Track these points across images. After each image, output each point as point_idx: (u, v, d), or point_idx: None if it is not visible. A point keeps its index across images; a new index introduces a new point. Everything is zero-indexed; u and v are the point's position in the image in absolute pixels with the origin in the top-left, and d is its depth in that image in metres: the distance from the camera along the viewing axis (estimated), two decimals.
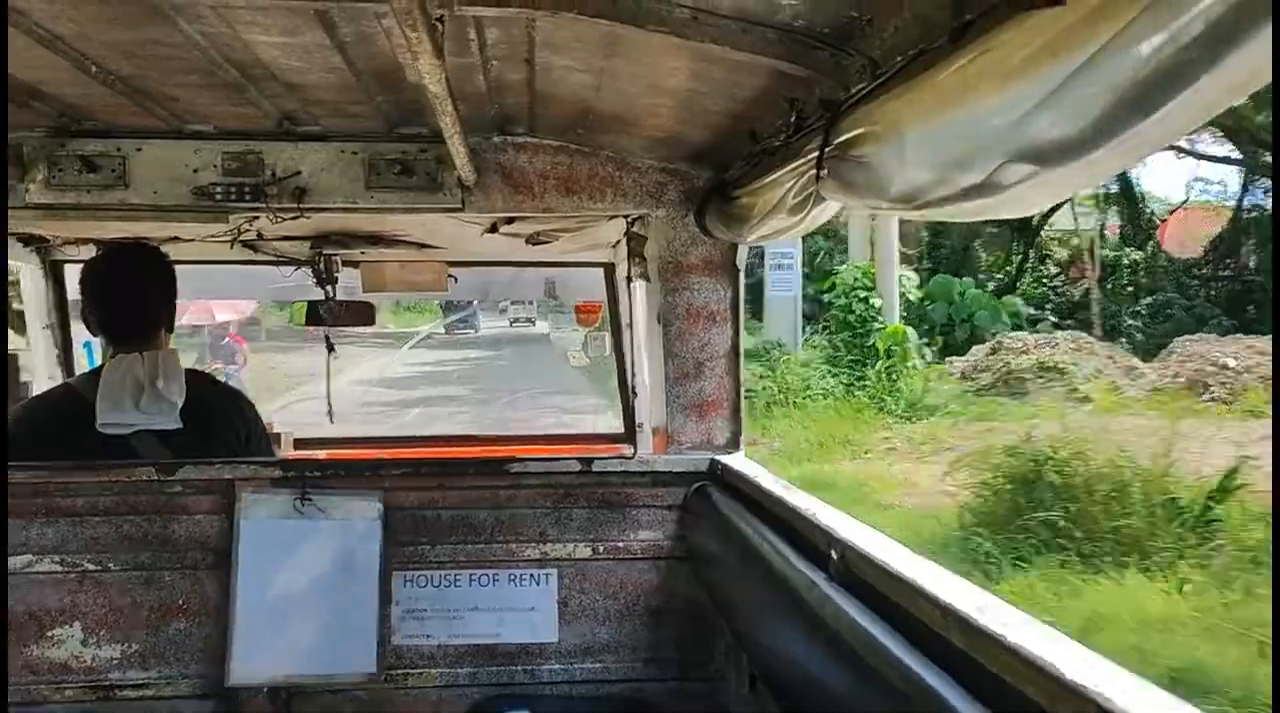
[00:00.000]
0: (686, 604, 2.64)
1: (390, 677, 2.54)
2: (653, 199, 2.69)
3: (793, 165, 1.90)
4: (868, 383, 16.54)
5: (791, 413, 15.44)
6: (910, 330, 17.62)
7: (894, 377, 16.53)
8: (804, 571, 1.74)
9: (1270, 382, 13.80)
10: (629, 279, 2.93)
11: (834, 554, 1.68)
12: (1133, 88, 0.88)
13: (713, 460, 2.64)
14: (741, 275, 2.77)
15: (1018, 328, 20.99)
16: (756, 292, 23.58)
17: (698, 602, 2.62)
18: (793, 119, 1.90)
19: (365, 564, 2.53)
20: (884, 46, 1.50)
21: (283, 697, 2.50)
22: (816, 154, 1.67)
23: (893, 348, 16.81)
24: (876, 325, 17.49)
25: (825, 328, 18.72)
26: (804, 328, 20.24)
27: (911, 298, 20.24)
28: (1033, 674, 1.04)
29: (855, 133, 1.53)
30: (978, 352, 18.63)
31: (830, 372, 17.25)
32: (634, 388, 3.30)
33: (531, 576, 2.61)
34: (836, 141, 1.60)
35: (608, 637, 2.63)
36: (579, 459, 2.66)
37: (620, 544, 2.63)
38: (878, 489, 10.98)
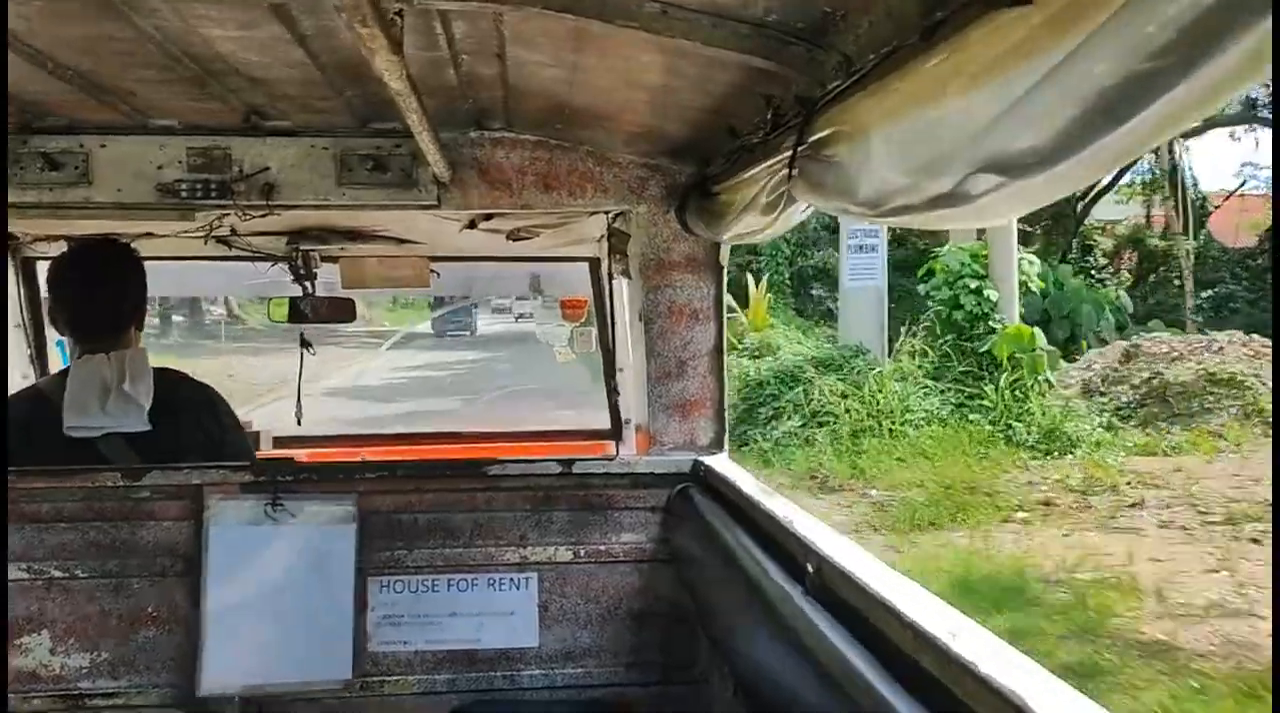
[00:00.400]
0: (669, 608, 2.59)
1: (366, 684, 2.50)
2: (634, 195, 2.64)
3: (769, 163, 1.85)
4: (985, 403, 12.26)
5: (890, 445, 11.50)
6: (1039, 332, 12.99)
7: (1022, 395, 12.26)
8: (780, 583, 1.69)
9: None
10: (611, 276, 2.88)
11: (810, 567, 1.63)
12: (1099, 97, 0.83)
13: (696, 461, 2.59)
14: (724, 273, 2.72)
15: (1120, 327, 17.23)
16: (828, 280, 19.11)
17: (680, 605, 2.58)
18: (769, 116, 1.84)
19: (339, 570, 2.48)
20: (858, 43, 1.45)
21: (254, 707, 2.46)
22: (790, 153, 1.62)
23: (1017, 356, 12.40)
24: (992, 325, 12.88)
25: (924, 329, 13.79)
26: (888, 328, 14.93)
27: (1034, 288, 14.73)
28: (1000, 705, 1.00)
29: (828, 132, 1.48)
30: (1101, 356, 14.11)
31: (934, 388, 12.71)
32: (618, 385, 3.26)
33: (511, 579, 2.57)
34: (810, 140, 1.55)
35: (589, 641, 2.58)
36: (559, 461, 2.61)
37: (602, 547, 2.59)
38: (1117, 606, 6.32)
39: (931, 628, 1.19)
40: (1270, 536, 6.30)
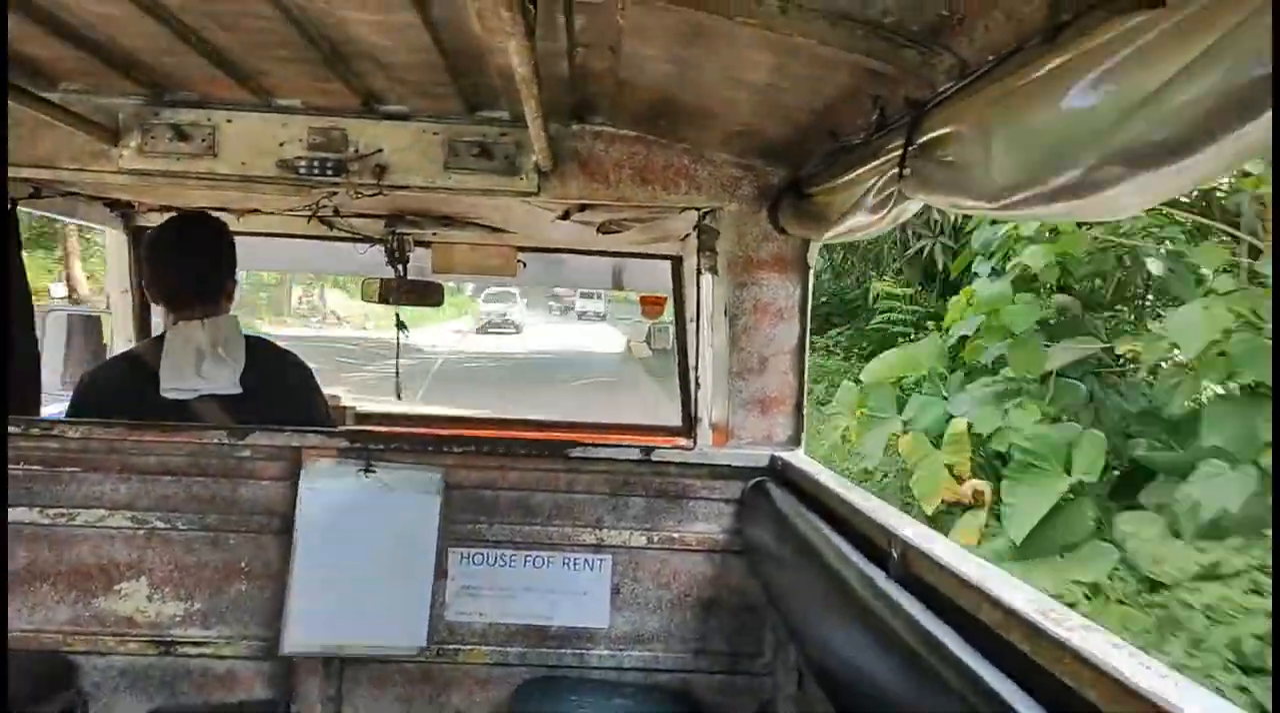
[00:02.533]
0: (739, 599, 2.64)
1: (441, 651, 2.58)
2: (726, 193, 2.70)
3: (873, 164, 1.89)
4: None
5: None
6: None
7: None
8: (862, 568, 1.73)
9: None
10: (698, 272, 2.94)
11: (894, 553, 1.67)
12: (1233, 93, 0.87)
13: (773, 457, 2.64)
14: (812, 273, 2.77)
15: None
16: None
17: (750, 597, 2.62)
18: (875, 118, 1.89)
19: (423, 539, 2.57)
20: (974, 46, 1.49)
21: (335, 664, 2.55)
22: (900, 153, 1.66)
23: None
24: None
25: None
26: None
27: None
28: (1096, 678, 1.03)
29: (941, 132, 1.52)
30: None
31: None
32: (696, 381, 3.32)
33: (586, 561, 2.63)
34: (920, 141, 1.59)
35: (657, 626, 2.64)
36: (639, 448, 2.68)
37: (675, 535, 2.64)
38: None
39: (1022, 606, 1.23)
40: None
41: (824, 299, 17.66)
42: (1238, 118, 0.86)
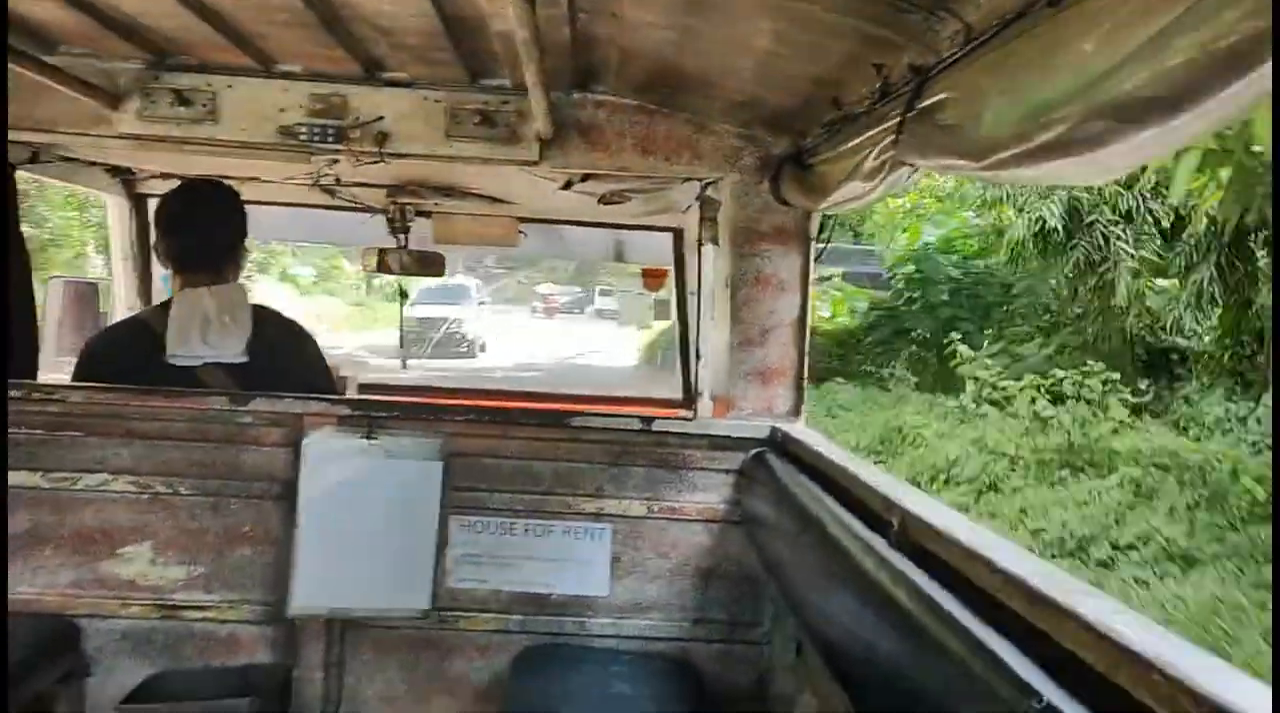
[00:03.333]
0: (738, 569, 2.65)
1: (443, 617, 2.60)
2: (728, 164, 2.69)
3: (873, 132, 1.88)
4: None
5: None
6: None
7: None
8: (863, 536, 1.74)
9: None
10: (700, 243, 2.94)
11: (894, 521, 1.68)
12: (1223, 50, 0.87)
13: (773, 428, 2.64)
14: (813, 244, 2.76)
15: None
16: None
17: (749, 567, 2.64)
18: (878, 85, 1.88)
19: (425, 506, 2.58)
20: (979, 10, 1.48)
21: (337, 628, 2.57)
22: (898, 119, 1.66)
23: None
24: None
25: None
26: None
27: None
28: (1095, 641, 1.04)
29: (939, 97, 1.52)
30: None
31: None
32: (697, 352, 3.32)
33: (586, 529, 2.64)
34: (921, 106, 1.58)
35: (657, 595, 2.66)
36: (640, 418, 2.68)
37: (675, 505, 2.65)
38: None
39: (1022, 571, 1.24)
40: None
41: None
42: (1224, 76, 0.86)
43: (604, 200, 3.25)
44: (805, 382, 2.75)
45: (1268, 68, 0.83)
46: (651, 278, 4.39)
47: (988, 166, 1.31)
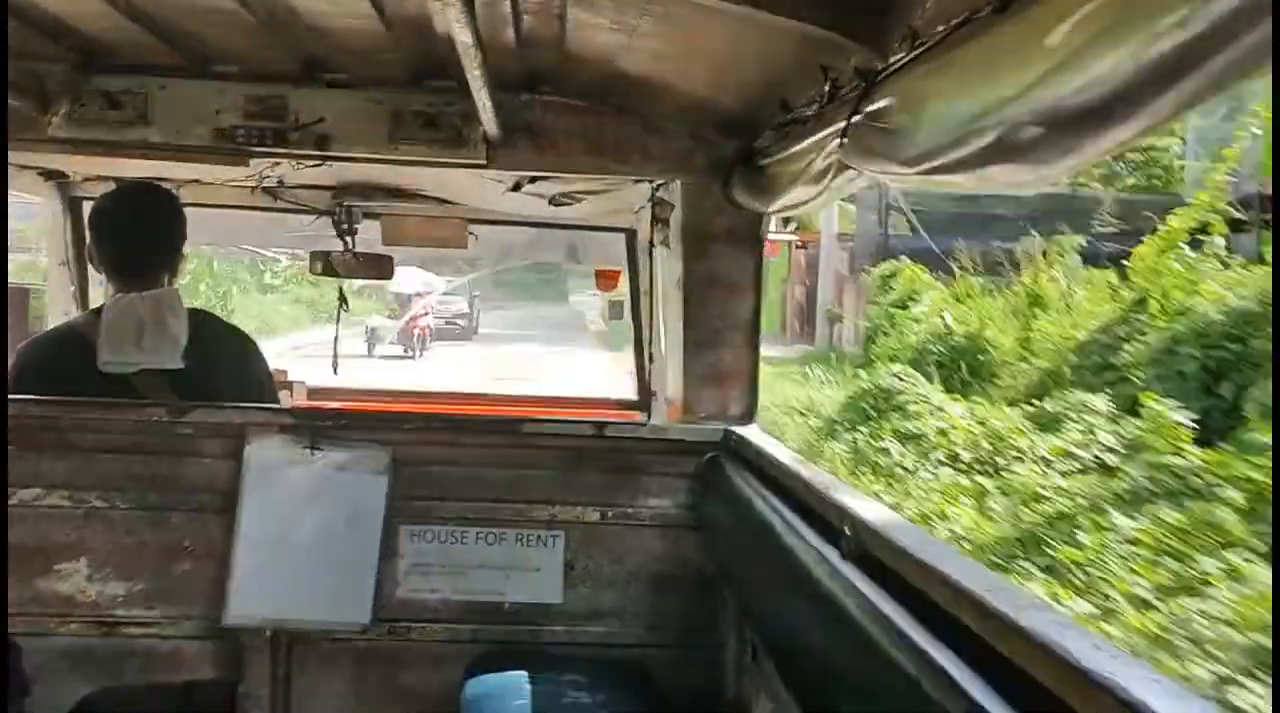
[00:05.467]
0: (693, 574, 2.63)
1: (393, 629, 2.55)
2: (679, 166, 2.67)
3: (820, 135, 1.87)
4: None
5: None
6: None
7: None
8: (815, 545, 1.73)
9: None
10: (651, 245, 2.91)
11: (846, 530, 1.67)
12: (1153, 59, 0.89)
13: (727, 431, 2.63)
14: (764, 246, 2.75)
15: None
16: None
17: (704, 572, 2.62)
18: (826, 88, 1.87)
19: (371, 516, 2.53)
20: (925, 14, 1.47)
21: (283, 642, 2.52)
22: (843, 124, 1.65)
23: None
24: None
25: None
26: None
27: None
28: (1043, 657, 1.03)
29: (885, 102, 1.51)
30: None
31: None
32: (650, 355, 3.29)
33: (539, 537, 2.61)
34: (866, 110, 1.58)
35: (612, 601, 2.63)
36: (592, 423, 2.66)
37: (629, 510, 2.63)
38: None
39: (971, 584, 1.23)
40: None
41: None
42: (1155, 84, 0.88)
43: (555, 202, 3.21)
44: (758, 384, 2.74)
45: (1196, 77, 0.85)
46: (605, 279, 4.35)
47: (925, 172, 1.31)
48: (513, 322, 31.96)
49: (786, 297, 25.93)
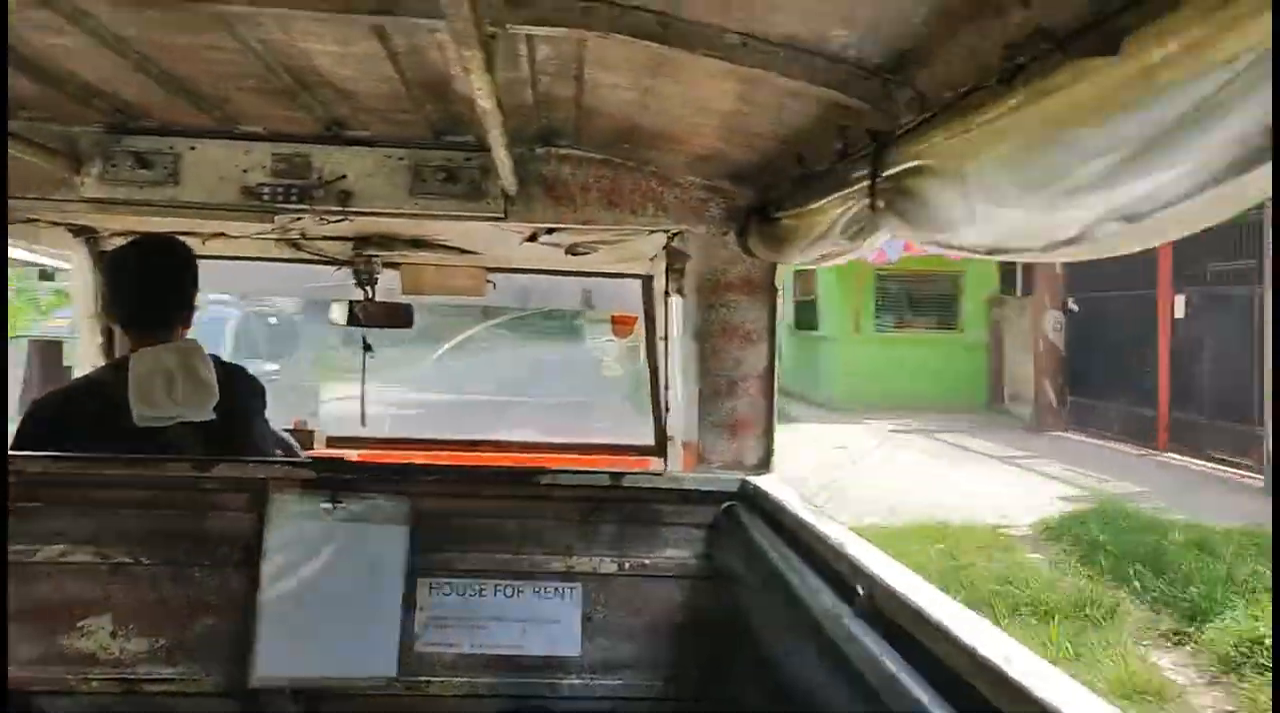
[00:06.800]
0: (711, 625, 2.62)
1: (413, 683, 2.55)
2: (694, 216, 2.69)
3: (842, 193, 1.89)
4: None
5: None
6: None
7: None
8: (829, 602, 1.72)
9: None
10: (666, 293, 2.93)
11: (860, 589, 1.66)
12: (1219, 147, 0.88)
13: (743, 481, 2.63)
14: (779, 295, 2.76)
15: None
16: None
17: (722, 623, 2.61)
18: (840, 146, 1.89)
19: (391, 569, 2.54)
20: (933, 81, 1.49)
21: (303, 700, 2.52)
22: (868, 183, 1.67)
23: None
24: None
25: None
26: None
27: None
28: None
29: (909, 165, 1.53)
30: None
31: None
32: (666, 402, 3.31)
33: (556, 589, 2.61)
34: (889, 173, 1.59)
35: (630, 653, 2.62)
36: (609, 473, 2.66)
37: (646, 561, 2.63)
38: None
39: (986, 652, 1.22)
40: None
41: None
42: (1241, 169, 0.87)
43: (571, 251, 3.25)
44: (774, 434, 2.74)
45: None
46: (620, 325, 4.37)
47: (990, 252, 1.33)
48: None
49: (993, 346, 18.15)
